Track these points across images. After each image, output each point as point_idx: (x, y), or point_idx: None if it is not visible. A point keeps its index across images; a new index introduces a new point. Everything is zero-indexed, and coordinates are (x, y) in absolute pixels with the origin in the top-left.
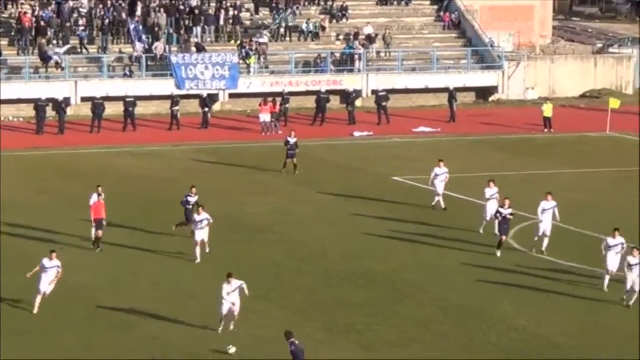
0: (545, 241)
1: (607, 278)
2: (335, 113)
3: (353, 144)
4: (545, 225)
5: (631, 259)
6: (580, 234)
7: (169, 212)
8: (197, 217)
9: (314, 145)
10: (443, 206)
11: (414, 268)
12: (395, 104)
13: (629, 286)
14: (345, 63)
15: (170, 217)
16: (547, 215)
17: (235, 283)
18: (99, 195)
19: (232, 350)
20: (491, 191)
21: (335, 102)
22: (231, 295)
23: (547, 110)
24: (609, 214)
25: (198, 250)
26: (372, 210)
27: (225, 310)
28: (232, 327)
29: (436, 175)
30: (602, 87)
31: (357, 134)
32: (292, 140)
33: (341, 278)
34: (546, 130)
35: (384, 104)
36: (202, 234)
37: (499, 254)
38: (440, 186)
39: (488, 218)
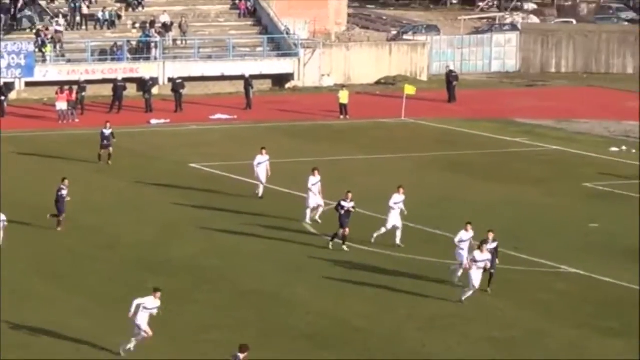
0: (398, 233)
1: (460, 271)
2: (131, 101)
3: (150, 131)
4: (395, 219)
5: (478, 255)
6: (377, 219)
7: None
8: None
9: None
10: (260, 195)
11: (212, 254)
12: (192, 91)
13: (475, 283)
14: (141, 51)
15: None
16: (396, 209)
17: (159, 302)
18: None
19: None
20: (314, 179)
21: (132, 90)
22: (146, 313)
23: (343, 96)
24: (406, 200)
25: None
26: (169, 197)
27: (145, 326)
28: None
29: (258, 163)
30: (397, 74)
31: (153, 121)
32: (107, 132)
33: (138, 265)
34: (342, 117)
35: (180, 91)
36: None
37: (345, 248)
38: (262, 174)
39: (311, 207)
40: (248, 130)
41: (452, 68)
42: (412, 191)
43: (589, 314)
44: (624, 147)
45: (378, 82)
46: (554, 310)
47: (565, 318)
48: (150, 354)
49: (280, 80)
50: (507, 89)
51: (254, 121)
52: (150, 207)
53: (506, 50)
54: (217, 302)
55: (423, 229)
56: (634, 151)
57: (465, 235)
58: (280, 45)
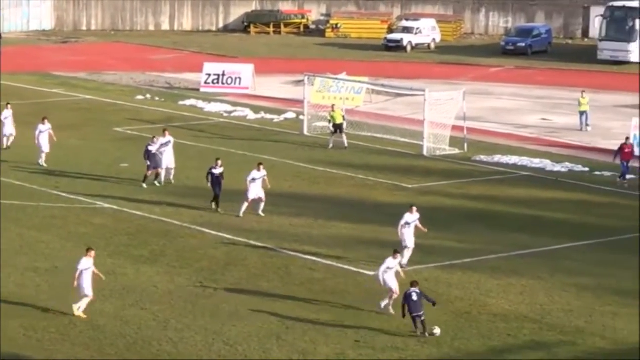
0: (262, 205)
1: (409, 252)
2: None
3: None
4: (257, 190)
5: (408, 216)
6: None
7: None
8: None
9: None
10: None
11: None
12: None
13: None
14: None
15: None
16: (257, 183)
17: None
18: None
19: (437, 331)
20: (45, 127)
21: None
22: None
23: None
24: None
25: None
26: None
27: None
28: None
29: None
30: None
31: None
32: None
33: None
34: None
35: None
36: None
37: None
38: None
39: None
40: None
41: None
42: None
43: (123, 244)
44: (148, 95)
45: None
46: (91, 242)
47: (103, 248)
48: None
49: None
50: (44, 45)
51: None
52: None
53: (43, 10)
54: None
55: None
56: (157, 99)
57: (410, 218)
58: None
